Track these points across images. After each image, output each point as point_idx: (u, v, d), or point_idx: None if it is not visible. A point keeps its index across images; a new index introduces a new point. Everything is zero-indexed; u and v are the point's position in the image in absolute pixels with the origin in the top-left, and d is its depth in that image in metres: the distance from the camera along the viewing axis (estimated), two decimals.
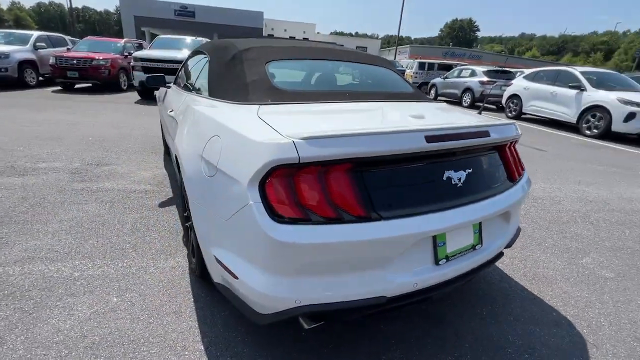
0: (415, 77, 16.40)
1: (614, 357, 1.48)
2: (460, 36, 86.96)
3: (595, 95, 7.31)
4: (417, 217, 1.13)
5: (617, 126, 6.84)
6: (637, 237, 2.68)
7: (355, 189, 1.07)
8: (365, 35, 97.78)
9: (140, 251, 2.02)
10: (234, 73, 1.66)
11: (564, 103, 7.97)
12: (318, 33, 59.09)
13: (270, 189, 1.03)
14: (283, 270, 1.05)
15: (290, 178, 1.04)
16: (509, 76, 11.17)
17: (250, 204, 1.02)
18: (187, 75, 2.56)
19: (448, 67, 15.60)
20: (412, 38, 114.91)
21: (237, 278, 1.17)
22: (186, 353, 1.34)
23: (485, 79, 11.12)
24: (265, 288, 1.07)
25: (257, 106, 1.40)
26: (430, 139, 1.14)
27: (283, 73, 1.72)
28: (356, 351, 1.40)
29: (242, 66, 1.67)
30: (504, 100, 9.92)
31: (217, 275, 1.36)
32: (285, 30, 43.80)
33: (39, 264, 1.83)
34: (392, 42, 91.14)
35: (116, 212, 2.50)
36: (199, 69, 2.22)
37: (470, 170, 1.32)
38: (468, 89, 11.46)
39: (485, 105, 9.83)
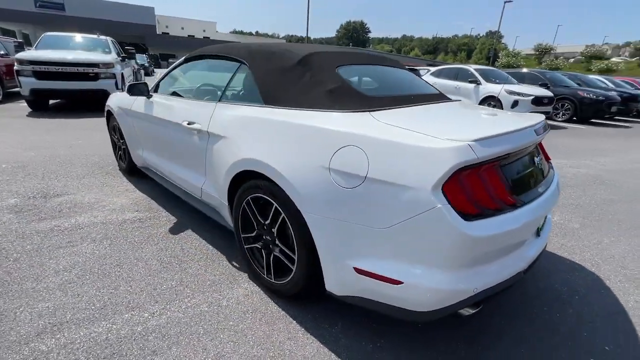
0: None
1: (620, 283, 1.99)
2: (355, 37, 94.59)
3: (488, 88, 9.03)
4: (540, 198, 1.34)
5: None
6: (570, 195, 3.52)
7: (505, 181, 1.21)
8: (266, 35, 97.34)
9: (193, 286, 1.76)
10: (309, 80, 1.59)
11: (466, 95, 9.58)
12: (217, 32, 56.27)
13: (450, 190, 1.09)
14: (466, 263, 1.13)
15: (463, 178, 1.11)
16: (417, 74, 12.75)
17: (438, 207, 1.06)
18: (201, 83, 2.25)
19: None
20: (312, 38, 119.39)
21: (400, 283, 1.19)
22: None
23: None
24: (445, 285, 1.13)
25: (367, 113, 1.40)
26: (537, 132, 1.37)
27: (352, 79, 1.72)
28: (468, 341, 1.56)
29: (312, 72, 1.62)
30: None
31: (350, 287, 1.33)
32: (182, 28, 40.39)
33: (75, 329, 1.43)
34: (293, 42, 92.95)
35: (123, 248, 2.08)
36: (226, 76, 2.00)
37: (540, 156, 1.60)
38: None
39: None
